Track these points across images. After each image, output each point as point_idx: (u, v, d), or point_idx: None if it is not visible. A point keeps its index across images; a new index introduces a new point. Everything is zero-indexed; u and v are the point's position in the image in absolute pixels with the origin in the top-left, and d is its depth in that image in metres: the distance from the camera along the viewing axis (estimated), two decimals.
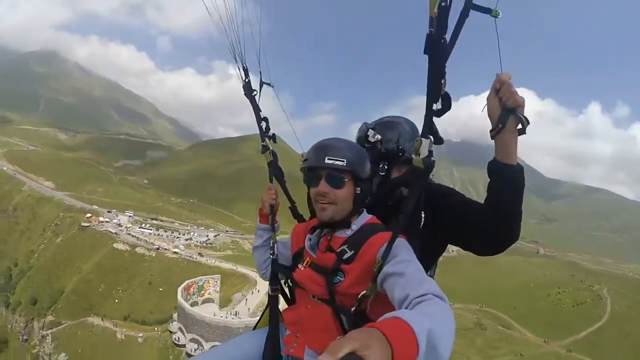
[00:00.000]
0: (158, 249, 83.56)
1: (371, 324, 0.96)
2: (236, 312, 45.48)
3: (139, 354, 40.72)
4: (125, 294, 71.94)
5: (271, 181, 2.51)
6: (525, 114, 1.63)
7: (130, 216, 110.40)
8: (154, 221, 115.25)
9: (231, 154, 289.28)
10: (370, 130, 2.24)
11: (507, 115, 1.62)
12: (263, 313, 2.34)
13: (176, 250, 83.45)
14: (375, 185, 2.24)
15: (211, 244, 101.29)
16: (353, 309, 1.72)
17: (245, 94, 2.57)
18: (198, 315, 38.52)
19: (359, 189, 1.91)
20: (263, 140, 2.53)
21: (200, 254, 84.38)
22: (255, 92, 2.59)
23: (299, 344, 1.97)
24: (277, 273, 2.26)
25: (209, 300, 46.12)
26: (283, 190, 2.50)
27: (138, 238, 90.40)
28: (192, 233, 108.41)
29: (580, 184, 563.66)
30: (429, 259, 2.26)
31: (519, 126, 1.65)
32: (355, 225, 1.96)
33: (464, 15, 1.47)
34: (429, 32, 1.49)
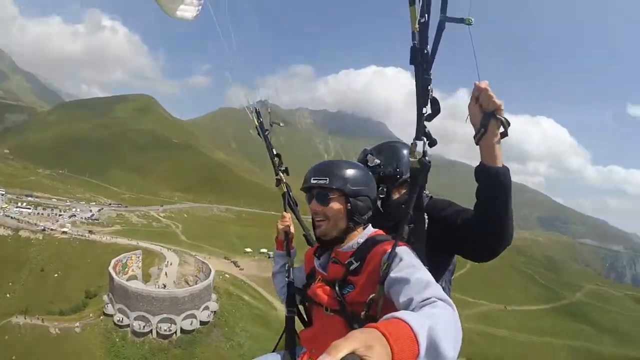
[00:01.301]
0: (44, 230, 77.82)
1: (371, 324, 0.99)
2: (163, 284, 46.78)
3: (82, 344, 39.46)
4: (18, 286, 65.66)
5: (285, 210, 2.74)
6: (504, 116, 1.78)
7: (2, 194, 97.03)
8: (30, 198, 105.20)
9: (102, 117, 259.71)
10: (369, 155, 2.41)
11: (487, 119, 1.77)
12: (281, 335, 2.49)
13: (65, 229, 78.77)
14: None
15: (97, 219, 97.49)
16: (363, 313, 1.84)
17: (258, 134, 2.89)
18: (144, 292, 39.84)
19: (349, 205, 2.04)
20: (277, 174, 2.77)
21: (90, 232, 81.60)
22: (267, 131, 2.94)
23: (314, 359, 2.10)
24: (294, 295, 2.40)
25: (132, 277, 46.19)
26: (297, 218, 2.72)
27: (18, 220, 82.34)
28: (74, 209, 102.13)
29: (444, 157, 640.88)
30: (434, 272, 2.23)
31: (501, 129, 1.80)
32: (360, 239, 2.09)
33: (440, 28, 1.71)
34: (412, 45, 1.74)
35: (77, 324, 40.88)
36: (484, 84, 1.76)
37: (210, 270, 47.53)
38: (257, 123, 2.91)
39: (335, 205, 2.04)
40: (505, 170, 1.87)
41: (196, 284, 47.80)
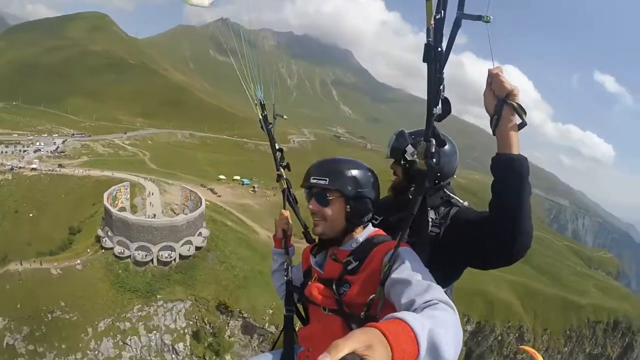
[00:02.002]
0: (12, 169, 75.17)
1: (371, 324, 0.99)
2: (153, 214, 48.90)
3: (86, 279, 40.77)
4: None
5: (284, 207, 2.72)
6: (519, 102, 1.72)
7: None
8: None
9: (53, 39, 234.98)
10: (409, 145, 2.18)
11: (500, 105, 1.73)
12: (280, 334, 2.49)
13: (33, 166, 76.30)
14: (398, 207, 2.34)
15: (63, 152, 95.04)
16: (362, 313, 1.83)
17: (261, 127, 2.91)
18: (145, 223, 42.29)
19: (348, 207, 2.02)
20: (278, 170, 2.75)
21: (60, 166, 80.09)
22: (271, 125, 2.93)
23: (311, 358, 2.14)
24: (292, 294, 2.39)
25: (122, 210, 46.98)
26: (296, 216, 2.66)
27: None
28: (37, 143, 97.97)
29: (409, 92, 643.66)
30: (447, 278, 2.34)
31: (518, 119, 1.75)
32: (360, 238, 2.08)
33: (456, 25, 1.64)
34: (426, 42, 1.67)
35: (78, 260, 41.93)
36: (496, 70, 1.76)
37: (201, 199, 49.62)
38: (260, 116, 2.92)
39: (334, 206, 2.04)
40: (521, 159, 1.79)
41: (184, 212, 50.41)
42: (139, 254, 41.36)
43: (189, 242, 43.27)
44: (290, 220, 2.64)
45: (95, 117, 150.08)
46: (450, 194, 2.47)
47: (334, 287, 1.98)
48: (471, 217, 2.23)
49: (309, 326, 2.27)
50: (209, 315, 42.43)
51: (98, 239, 43.85)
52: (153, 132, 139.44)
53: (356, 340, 0.89)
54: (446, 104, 1.77)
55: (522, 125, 1.79)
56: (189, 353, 42.32)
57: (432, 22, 1.62)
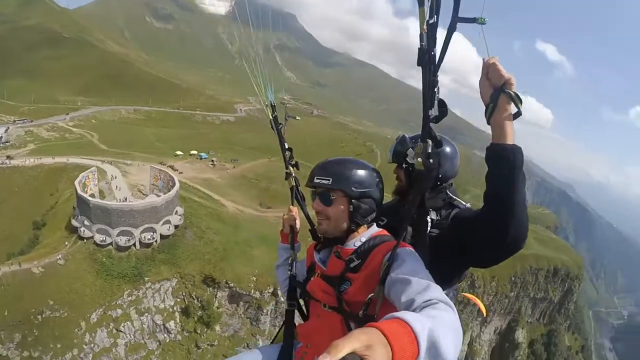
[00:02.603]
0: None
1: (372, 324, 0.99)
2: (125, 197, 48.31)
3: (70, 273, 39.51)
4: None
5: (292, 204, 2.77)
6: (515, 91, 1.73)
7: None
8: None
9: None
10: (410, 149, 2.18)
11: (496, 94, 1.75)
12: (280, 328, 2.54)
13: None
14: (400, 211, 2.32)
15: (8, 142, 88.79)
16: (361, 312, 1.87)
17: (272, 127, 2.97)
18: (125, 207, 41.79)
19: (352, 206, 2.07)
20: (287, 168, 2.83)
21: (9, 157, 74.80)
22: (281, 125, 2.99)
23: (309, 354, 2.19)
24: (295, 289, 2.44)
25: (92, 196, 45.03)
26: (304, 213, 2.71)
27: None
28: None
29: (353, 57, 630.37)
30: (449, 279, 2.41)
31: (513, 108, 1.77)
32: (363, 237, 2.12)
33: (451, 29, 1.66)
34: (420, 47, 1.71)
35: (59, 255, 40.58)
36: (492, 60, 1.78)
37: (172, 177, 49.28)
38: (271, 117, 2.98)
39: (338, 206, 2.09)
40: (515, 148, 1.79)
41: (153, 192, 50.34)
42: (121, 239, 41.38)
43: (168, 222, 43.62)
44: (298, 217, 2.71)
45: (33, 98, 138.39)
46: (452, 196, 2.58)
47: (334, 284, 2.04)
48: (469, 215, 2.30)
49: (308, 322, 2.33)
50: (196, 289, 43.86)
51: (73, 229, 42.73)
52: (96, 111, 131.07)
53: (356, 340, 0.89)
54: (442, 105, 1.81)
55: (517, 114, 1.81)
56: (180, 330, 43.81)
57: (425, 26, 1.69)
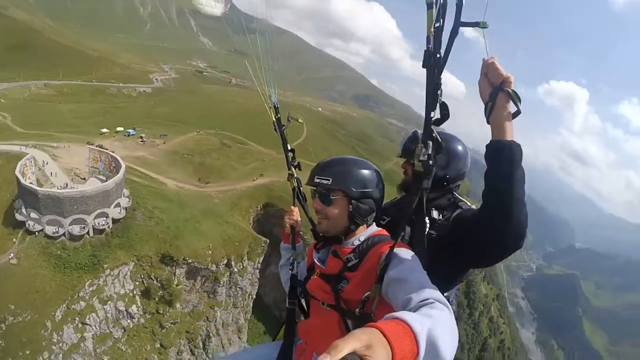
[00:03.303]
0: None
1: (371, 324, 1.01)
2: (65, 184, 45.26)
3: (26, 271, 36.86)
4: None
5: (294, 204, 2.86)
6: (514, 89, 1.79)
7: None
8: None
9: None
10: (419, 146, 2.07)
11: (495, 92, 1.82)
12: (281, 326, 2.64)
13: None
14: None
15: None
16: (357, 310, 1.92)
17: (275, 129, 3.01)
18: (77, 194, 39.17)
19: (351, 206, 2.12)
20: (290, 169, 2.91)
21: None
22: (284, 127, 3.05)
23: (308, 351, 2.29)
24: (296, 288, 2.52)
25: (33, 184, 41.70)
26: (305, 213, 2.79)
27: None
28: None
29: (272, 24, 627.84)
30: (450, 279, 2.45)
31: (512, 107, 1.83)
32: (362, 236, 2.18)
33: (454, 33, 1.72)
34: (426, 49, 1.78)
35: (10, 255, 37.64)
36: (491, 60, 1.85)
37: (115, 157, 47.05)
38: (274, 118, 3.05)
39: (337, 206, 2.14)
40: (513, 145, 1.82)
41: (94, 175, 47.84)
42: (74, 228, 39.43)
43: (118, 205, 42.05)
44: (299, 217, 2.77)
45: None
46: (458, 197, 2.66)
47: (332, 282, 2.13)
48: (468, 215, 2.35)
49: (308, 320, 2.42)
50: (155, 270, 43.83)
51: (18, 224, 39.61)
52: (5, 88, 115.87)
53: (356, 340, 0.90)
54: (444, 108, 1.84)
55: (517, 113, 1.85)
56: (142, 313, 43.73)
57: (432, 29, 1.75)
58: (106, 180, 44.32)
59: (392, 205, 2.84)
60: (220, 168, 67.78)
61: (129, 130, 77.03)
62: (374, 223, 2.30)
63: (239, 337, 56.60)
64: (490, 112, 1.87)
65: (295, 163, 3.00)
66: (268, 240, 56.21)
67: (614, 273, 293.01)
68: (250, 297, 57.33)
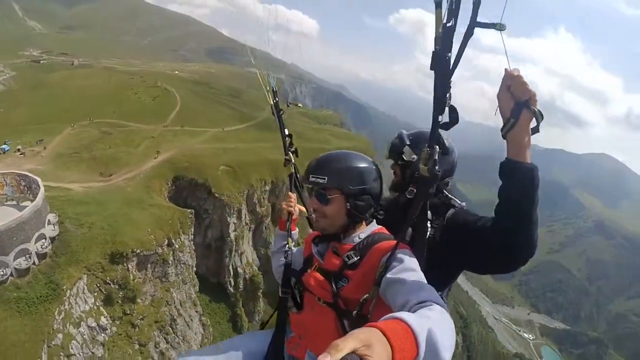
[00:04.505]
0: None
1: (371, 324, 1.03)
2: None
3: None
4: None
5: (291, 191, 2.94)
6: (537, 108, 1.74)
7: None
8: None
9: None
10: (406, 147, 2.27)
11: (519, 109, 1.75)
12: (272, 314, 2.64)
13: None
14: (400, 206, 2.41)
15: None
16: (355, 312, 1.94)
17: (272, 113, 3.15)
18: (12, 222, 33.80)
19: (349, 204, 2.17)
20: (287, 155, 3.01)
21: None
22: (282, 112, 3.15)
23: (301, 346, 2.31)
24: (289, 277, 2.55)
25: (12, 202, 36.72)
26: (301, 200, 2.88)
27: None
28: None
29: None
30: (443, 279, 2.50)
31: (533, 122, 1.77)
32: (362, 234, 2.21)
33: (468, 34, 1.65)
34: (434, 50, 1.72)
35: None
36: (516, 72, 1.77)
37: (18, 174, 41.62)
38: (272, 102, 3.17)
39: (334, 204, 2.19)
40: (535, 168, 1.83)
41: (7, 201, 40.99)
42: (20, 263, 35.73)
43: (49, 222, 39.80)
44: (296, 204, 2.88)
45: None
46: (449, 195, 2.69)
47: (332, 280, 2.15)
48: (470, 221, 2.33)
49: (302, 313, 2.43)
50: (108, 273, 42.52)
51: None
52: None
53: (356, 339, 0.92)
54: (453, 112, 1.83)
55: (535, 131, 1.81)
56: (111, 321, 42.88)
57: (441, 29, 1.69)
58: (18, 204, 40.38)
59: (388, 204, 2.83)
60: (114, 157, 64.19)
61: (3, 147, 68.00)
62: (374, 220, 2.39)
63: (197, 312, 59.24)
64: (511, 128, 1.83)
65: (293, 149, 3.13)
66: (193, 211, 58.10)
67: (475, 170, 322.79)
68: (193, 269, 58.99)
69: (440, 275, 2.39)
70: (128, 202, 51.30)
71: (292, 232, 2.86)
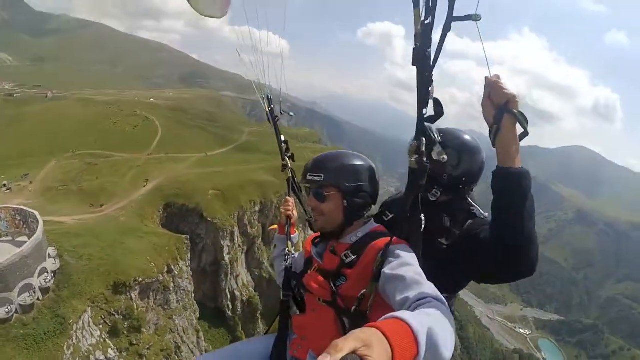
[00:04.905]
0: None
1: (371, 324, 1.03)
2: None
3: None
4: None
5: (289, 195, 2.99)
6: (520, 110, 1.75)
7: None
8: None
9: None
10: (437, 145, 2.00)
11: (500, 114, 1.78)
12: (275, 319, 2.64)
13: None
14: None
15: None
16: (353, 308, 1.95)
17: (268, 120, 3.23)
18: (15, 257, 33.74)
19: (346, 201, 2.21)
20: (283, 160, 3.04)
21: None
22: (278, 118, 3.24)
23: (303, 347, 2.33)
24: (290, 280, 2.58)
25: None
26: (301, 204, 2.90)
27: None
28: None
29: (72, 17, 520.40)
30: (451, 287, 2.47)
31: (519, 129, 1.79)
32: (360, 233, 2.23)
33: (446, 29, 1.69)
34: (414, 47, 1.77)
35: None
36: (494, 78, 1.81)
37: (13, 208, 41.55)
38: (267, 110, 3.26)
39: (331, 202, 2.24)
40: (523, 172, 1.81)
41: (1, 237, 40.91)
42: (24, 299, 35.08)
43: (49, 256, 39.56)
44: (294, 208, 2.94)
45: None
46: (472, 203, 2.63)
47: (331, 279, 2.18)
48: (483, 233, 2.26)
49: (303, 315, 2.46)
50: (112, 305, 42.24)
51: None
52: None
53: (356, 339, 0.92)
54: (437, 104, 1.83)
55: (524, 135, 1.81)
56: (119, 353, 42.46)
57: (419, 27, 1.74)
58: (14, 239, 40.12)
59: (395, 201, 2.87)
60: (102, 188, 64.10)
61: None
62: (372, 219, 2.43)
63: (199, 337, 59.00)
64: (496, 135, 1.83)
65: (289, 154, 3.21)
66: (188, 236, 58.51)
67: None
68: (192, 295, 58.96)
69: (450, 283, 2.38)
70: (123, 231, 51.54)
71: (292, 235, 2.92)
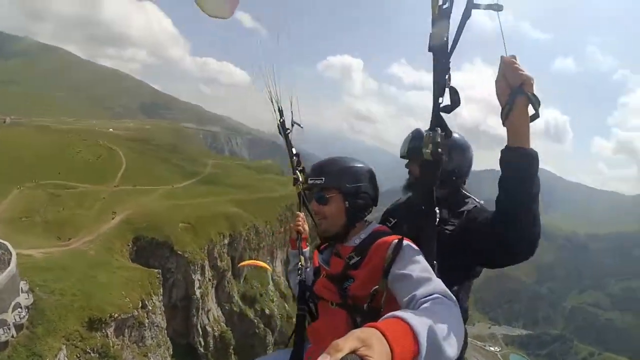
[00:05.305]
0: None
1: (371, 324, 1.03)
2: None
3: None
4: None
5: (300, 210, 3.00)
6: (534, 92, 1.72)
7: None
8: None
9: None
10: (428, 134, 1.95)
11: (514, 95, 1.76)
12: (292, 333, 2.63)
13: None
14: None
15: None
16: (365, 305, 1.95)
17: (279, 132, 3.26)
18: None
19: (347, 202, 2.25)
20: (295, 174, 3.08)
21: None
22: (289, 130, 3.27)
23: (316, 352, 2.23)
24: (305, 293, 2.58)
25: None
26: (311, 217, 2.78)
27: None
28: None
29: (35, 40, 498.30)
30: (459, 279, 2.53)
31: (531, 110, 1.77)
32: (363, 234, 2.26)
33: (466, 15, 1.66)
34: (432, 32, 1.74)
35: None
36: (510, 58, 1.79)
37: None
38: (279, 122, 3.28)
39: (333, 204, 2.27)
40: (533, 153, 1.81)
41: None
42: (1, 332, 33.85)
43: (22, 290, 38.71)
44: (305, 222, 2.97)
45: None
46: (467, 193, 2.74)
47: (337, 282, 2.22)
48: (483, 216, 2.35)
49: (316, 322, 2.47)
50: (87, 342, 41.07)
51: None
52: None
53: (357, 339, 0.93)
54: (454, 93, 1.80)
55: (534, 117, 1.80)
56: None
57: (437, 11, 1.71)
58: None
59: (397, 207, 2.98)
60: (69, 220, 62.33)
61: None
62: (374, 221, 2.47)
63: None
64: (507, 115, 1.82)
65: (301, 167, 3.27)
66: (160, 270, 57.99)
67: None
68: (164, 331, 57.61)
69: (457, 273, 2.47)
70: (93, 265, 50.72)
71: (304, 250, 2.98)
